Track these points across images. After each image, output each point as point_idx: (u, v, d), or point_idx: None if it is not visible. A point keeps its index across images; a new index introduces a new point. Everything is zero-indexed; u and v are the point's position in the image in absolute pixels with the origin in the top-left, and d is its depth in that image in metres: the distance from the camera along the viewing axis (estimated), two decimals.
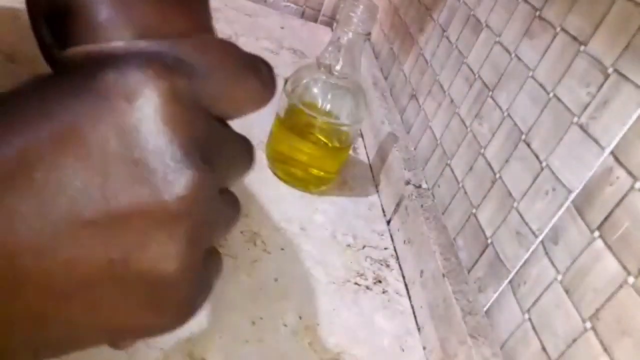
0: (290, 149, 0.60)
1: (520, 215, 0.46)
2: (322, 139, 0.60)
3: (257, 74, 0.23)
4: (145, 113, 0.18)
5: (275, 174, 0.62)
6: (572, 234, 0.40)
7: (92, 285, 0.18)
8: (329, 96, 0.58)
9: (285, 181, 0.61)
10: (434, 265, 0.51)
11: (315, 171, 0.61)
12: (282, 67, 0.89)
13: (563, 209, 0.41)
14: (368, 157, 0.74)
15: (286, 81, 0.59)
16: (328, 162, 0.61)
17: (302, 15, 1.17)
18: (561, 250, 0.40)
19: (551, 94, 0.46)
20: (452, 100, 0.63)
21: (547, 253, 0.42)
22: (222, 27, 0.93)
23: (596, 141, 0.40)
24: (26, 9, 0.34)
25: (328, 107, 0.58)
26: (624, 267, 0.35)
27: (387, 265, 0.57)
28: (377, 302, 0.52)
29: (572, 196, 0.41)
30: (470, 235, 0.52)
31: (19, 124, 0.17)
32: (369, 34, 0.57)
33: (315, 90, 0.58)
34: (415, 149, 0.69)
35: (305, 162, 0.60)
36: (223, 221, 0.23)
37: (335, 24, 0.59)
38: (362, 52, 0.57)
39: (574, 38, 0.45)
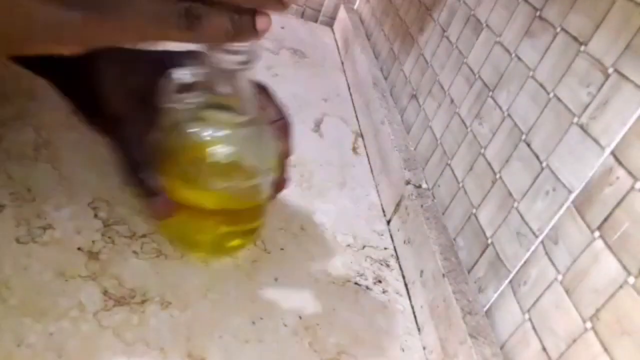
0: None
1: (521, 215, 0.46)
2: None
3: None
4: None
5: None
6: (572, 234, 0.40)
7: None
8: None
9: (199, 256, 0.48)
10: (434, 265, 0.51)
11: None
12: (282, 67, 0.89)
13: (563, 209, 0.41)
14: (368, 157, 0.74)
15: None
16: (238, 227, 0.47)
17: (302, 15, 1.17)
18: (561, 250, 0.40)
19: (551, 94, 0.46)
20: (452, 100, 0.63)
21: (547, 253, 0.42)
22: None
23: (596, 141, 0.40)
24: None
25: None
26: (624, 267, 0.35)
27: (387, 265, 0.57)
28: (377, 302, 0.51)
29: (572, 196, 0.41)
30: (470, 235, 0.52)
31: None
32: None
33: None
34: (415, 149, 0.69)
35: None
36: None
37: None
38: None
39: (574, 38, 0.45)
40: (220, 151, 0.41)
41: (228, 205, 0.44)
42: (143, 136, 0.39)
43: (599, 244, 0.37)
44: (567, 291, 0.39)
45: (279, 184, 0.46)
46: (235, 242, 0.47)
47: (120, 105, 0.40)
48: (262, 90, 0.46)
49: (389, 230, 0.62)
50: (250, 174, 0.43)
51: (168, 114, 0.40)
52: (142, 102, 0.39)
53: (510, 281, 0.45)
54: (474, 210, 0.53)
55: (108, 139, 0.44)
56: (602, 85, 0.40)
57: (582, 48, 0.43)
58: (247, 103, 0.41)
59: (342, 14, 1.13)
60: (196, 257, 0.47)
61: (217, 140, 0.41)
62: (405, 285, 0.55)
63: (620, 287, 0.35)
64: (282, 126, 0.45)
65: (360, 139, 0.78)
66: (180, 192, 0.42)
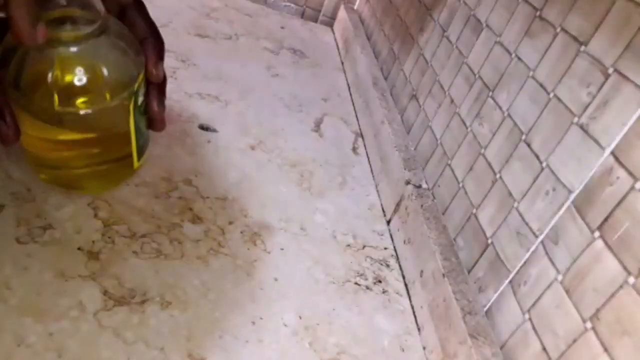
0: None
1: (521, 215, 0.46)
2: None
3: None
4: None
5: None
6: (573, 234, 0.40)
7: None
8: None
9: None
10: (434, 265, 0.51)
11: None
12: (282, 67, 0.89)
13: (563, 209, 0.41)
14: (368, 157, 0.74)
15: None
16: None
17: (302, 15, 1.17)
18: (561, 250, 0.40)
19: (551, 94, 0.46)
20: (452, 101, 0.63)
21: (547, 253, 0.42)
22: (222, 27, 0.93)
23: (596, 141, 0.40)
24: None
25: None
26: (624, 267, 0.35)
27: (387, 265, 0.57)
28: (377, 302, 0.51)
29: (572, 196, 0.41)
30: (470, 235, 0.52)
31: None
32: None
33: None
34: (415, 149, 0.69)
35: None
36: None
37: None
38: None
39: (574, 38, 0.45)
40: (67, 72, 0.37)
41: (89, 131, 0.40)
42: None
43: (599, 244, 0.37)
44: (567, 291, 0.39)
45: (152, 111, 0.42)
46: (109, 174, 0.44)
47: None
48: (133, 4, 0.42)
49: (389, 230, 0.62)
50: (101, 94, 0.39)
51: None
52: None
53: (510, 281, 0.45)
54: (474, 210, 0.53)
55: None
56: (602, 85, 0.40)
57: (582, 48, 0.43)
58: (90, 13, 0.37)
59: (342, 14, 1.13)
60: (78, 194, 0.45)
61: (62, 59, 0.37)
62: (405, 285, 0.55)
63: (621, 287, 0.35)
64: (151, 45, 0.41)
65: (360, 139, 0.78)
66: (33, 124, 0.39)
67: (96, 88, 0.38)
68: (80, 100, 0.38)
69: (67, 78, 0.37)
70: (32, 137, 0.40)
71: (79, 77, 0.37)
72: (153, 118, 0.43)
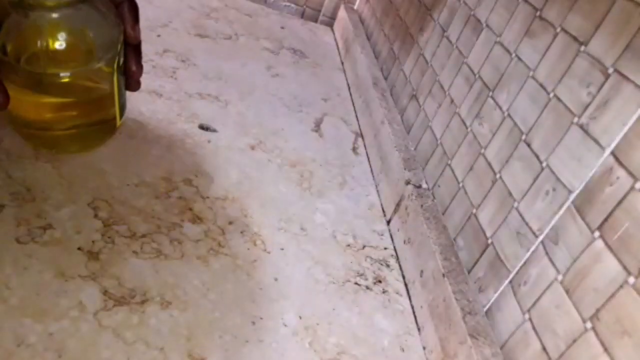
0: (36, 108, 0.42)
1: (521, 215, 0.46)
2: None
3: None
4: None
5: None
6: (573, 234, 0.40)
7: None
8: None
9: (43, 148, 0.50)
10: (434, 265, 0.51)
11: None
12: (282, 67, 0.89)
13: (563, 209, 0.41)
14: (368, 157, 0.74)
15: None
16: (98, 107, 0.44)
17: (302, 15, 1.17)
18: (561, 250, 0.40)
19: (551, 94, 0.46)
20: (452, 101, 0.63)
21: (547, 253, 0.42)
22: (222, 27, 0.93)
23: (596, 141, 0.40)
24: None
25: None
26: (624, 267, 0.35)
27: (387, 265, 0.57)
28: (377, 302, 0.51)
29: (573, 196, 0.41)
30: (470, 235, 0.52)
31: None
32: None
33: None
34: (415, 149, 0.69)
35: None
36: None
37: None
38: None
39: (574, 38, 0.45)
40: (54, 37, 0.39)
41: (76, 94, 0.42)
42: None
43: (599, 244, 0.37)
44: (567, 291, 0.39)
45: (130, 72, 0.45)
46: (95, 134, 0.45)
47: None
48: None
49: (389, 230, 0.62)
50: (86, 57, 0.40)
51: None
52: None
53: (510, 281, 0.45)
54: (474, 210, 0.53)
55: None
56: (602, 85, 0.40)
57: (582, 48, 0.43)
58: None
59: (342, 14, 1.13)
60: (62, 155, 0.48)
61: (49, 25, 0.38)
62: (405, 285, 0.55)
63: (621, 287, 0.35)
64: (127, 8, 0.43)
65: (360, 139, 0.78)
66: (21, 90, 0.40)
67: (82, 52, 0.40)
68: (67, 64, 0.40)
69: (54, 43, 0.39)
70: (20, 100, 0.40)
71: (66, 42, 0.39)
72: (130, 78, 0.45)
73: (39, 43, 0.38)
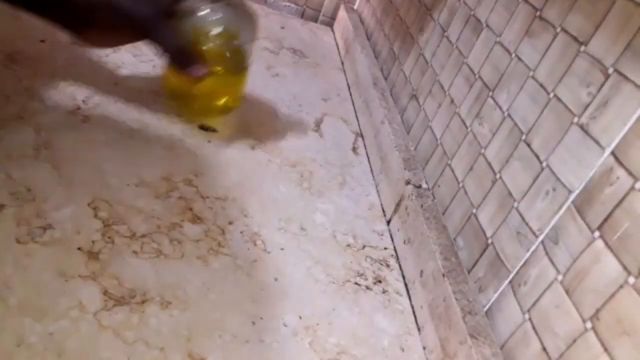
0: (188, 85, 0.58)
1: (521, 215, 0.46)
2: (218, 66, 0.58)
3: None
4: None
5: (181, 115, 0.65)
6: (572, 234, 0.40)
7: None
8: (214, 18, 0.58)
9: (191, 119, 0.65)
10: (434, 265, 0.51)
11: (219, 101, 0.63)
12: (282, 67, 0.89)
13: (563, 209, 0.41)
14: (368, 157, 0.74)
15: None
16: (229, 89, 0.63)
17: (302, 15, 1.17)
18: (561, 250, 0.40)
19: (551, 94, 0.46)
20: (452, 100, 0.63)
21: (547, 253, 0.42)
22: None
23: (596, 141, 0.40)
24: None
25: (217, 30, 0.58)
26: (624, 267, 0.35)
27: (387, 265, 0.57)
28: (377, 302, 0.51)
29: (573, 196, 0.41)
30: (470, 235, 0.52)
31: None
32: None
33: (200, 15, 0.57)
34: (415, 149, 0.69)
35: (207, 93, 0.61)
36: None
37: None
38: None
39: (574, 38, 0.45)
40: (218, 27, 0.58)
41: (228, 62, 0.60)
42: (175, 34, 0.55)
43: (599, 244, 0.37)
44: (567, 291, 0.39)
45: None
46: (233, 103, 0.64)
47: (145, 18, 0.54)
48: None
49: (389, 230, 0.62)
50: (237, 40, 0.59)
51: (183, 16, 0.55)
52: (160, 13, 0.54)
53: (510, 281, 0.45)
54: (474, 210, 0.53)
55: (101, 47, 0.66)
56: (602, 85, 0.40)
57: (582, 48, 0.43)
58: None
59: (342, 14, 1.13)
60: (210, 122, 0.65)
61: (216, 22, 0.57)
62: (405, 285, 0.55)
63: (621, 287, 0.35)
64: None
65: (360, 139, 0.78)
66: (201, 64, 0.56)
67: (232, 45, 0.59)
68: (222, 41, 0.58)
69: (215, 37, 0.58)
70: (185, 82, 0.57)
71: (224, 36, 0.58)
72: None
73: (205, 38, 0.57)
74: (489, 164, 0.52)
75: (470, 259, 0.51)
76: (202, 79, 0.56)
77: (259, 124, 0.72)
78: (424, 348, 0.49)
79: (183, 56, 0.56)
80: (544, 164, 0.45)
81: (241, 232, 0.52)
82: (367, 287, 0.53)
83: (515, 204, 0.47)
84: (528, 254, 0.44)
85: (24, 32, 0.72)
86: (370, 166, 0.73)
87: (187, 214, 0.52)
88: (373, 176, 0.71)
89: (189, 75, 0.56)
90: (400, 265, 0.57)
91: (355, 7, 1.15)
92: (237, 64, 0.60)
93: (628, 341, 0.33)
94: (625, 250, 0.35)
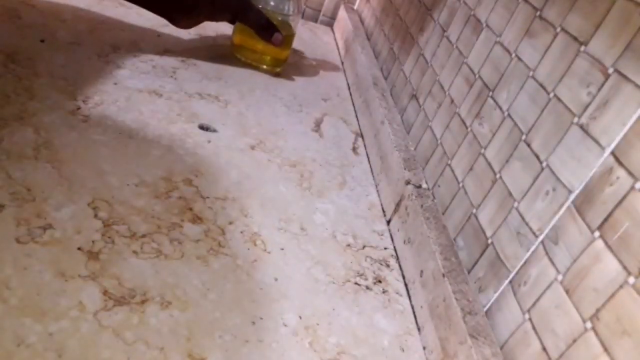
0: (249, 41, 0.84)
1: (521, 215, 0.46)
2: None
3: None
4: None
5: (241, 60, 0.86)
6: (573, 234, 0.40)
7: None
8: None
9: (248, 63, 0.86)
10: (434, 265, 0.51)
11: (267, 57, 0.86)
12: (282, 67, 0.89)
13: (563, 209, 0.41)
14: (368, 157, 0.74)
15: None
16: (276, 50, 0.85)
17: (302, 16, 1.17)
18: (561, 250, 0.40)
19: (551, 94, 0.46)
20: (452, 100, 0.63)
21: (547, 253, 0.42)
22: (223, 27, 0.93)
23: (596, 141, 0.40)
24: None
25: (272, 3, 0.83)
26: (624, 267, 0.35)
27: (387, 265, 0.57)
28: (377, 302, 0.51)
29: (573, 196, 0.41)
30: (470, 235, 0.52)
31: None
32: None
33: None
34: (415, 149, 0.69)
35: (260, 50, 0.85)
36: None
37: None
38: None
39: (574, 38, 0.45)
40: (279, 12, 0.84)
41: (287, 30, 0.84)
42: (260, 14, 0.81)
43: (599, 244, 0.37)
44: (567, 291, 0.39)
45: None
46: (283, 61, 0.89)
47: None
48: None
49: (389, 230, 0.62)
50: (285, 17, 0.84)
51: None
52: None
53: (510, 281, 0.45)
54: (474, 210, 0.53)
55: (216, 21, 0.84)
56: (602, 85, 0.40)
57: (582, 48, 0.43)
58: None
59: (342, 14, 1.13)
60: (273, 70, 0.87)
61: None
62: (405, 285, 0.55)
63: (621, 287, 0.35)
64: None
65: (360, 139, 0.78)
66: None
67: (285, 18, 0.84)
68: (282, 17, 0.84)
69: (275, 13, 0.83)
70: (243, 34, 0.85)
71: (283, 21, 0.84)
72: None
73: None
74: (489, 164, 0.52)
75: (470, 259, 0.51)
76: (281, 44, 0.82)
77: (259, 124, 0.72)
78: (424, 348, 0.49)
79: (268, 29, 0.80)
80: (544, 164, 0.45)
81: (241, 232, 0.52)
82: (367, 287, 0.53)
83: (515, 204, 0.47)
84: (528, 254, 0.44)
85: (24, 32, 0.72)
86: (370, 166, 0.73)
87: (187, 214, 0.52)
88: (373, 176, 0.71)
89: (273, 43, 0.81)
90: (400, 265, 0.57)
91: (355, 7, 1.15)
92: (289, 30, 0.84)
93: (628, 341, 0.33)
94: (626, 250, 0.35)
